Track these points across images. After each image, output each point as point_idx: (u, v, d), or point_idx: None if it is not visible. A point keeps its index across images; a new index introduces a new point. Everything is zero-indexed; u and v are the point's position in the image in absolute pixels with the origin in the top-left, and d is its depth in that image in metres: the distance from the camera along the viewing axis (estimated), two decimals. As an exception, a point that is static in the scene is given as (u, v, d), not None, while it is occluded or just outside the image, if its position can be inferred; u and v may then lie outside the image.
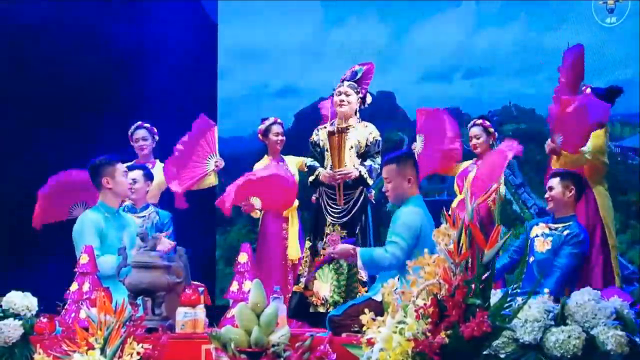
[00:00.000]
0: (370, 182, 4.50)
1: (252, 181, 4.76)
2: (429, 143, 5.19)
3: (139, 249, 3.60)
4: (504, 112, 7.08)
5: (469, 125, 5.28)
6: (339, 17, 7.52)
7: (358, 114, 4.66)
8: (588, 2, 6.65)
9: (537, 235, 4.18)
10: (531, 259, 4.15)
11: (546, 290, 3.79)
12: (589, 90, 4.89)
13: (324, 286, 4.34)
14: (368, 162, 4.51)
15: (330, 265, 4.37)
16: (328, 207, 4.51)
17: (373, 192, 4.64)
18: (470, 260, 2.64)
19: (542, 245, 4.16)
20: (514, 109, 7.12)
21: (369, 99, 4.75)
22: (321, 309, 4.32)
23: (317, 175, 4.58)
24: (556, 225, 4.19)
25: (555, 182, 4.21)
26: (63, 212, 4.87)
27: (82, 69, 6.41)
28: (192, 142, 5.16)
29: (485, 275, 2.61)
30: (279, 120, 5.42)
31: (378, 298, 3.36)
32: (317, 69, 7.26)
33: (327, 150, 4.59)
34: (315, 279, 4.40)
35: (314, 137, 4.72)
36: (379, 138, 4.62)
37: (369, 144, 4.57)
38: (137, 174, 4.86)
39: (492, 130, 5.21)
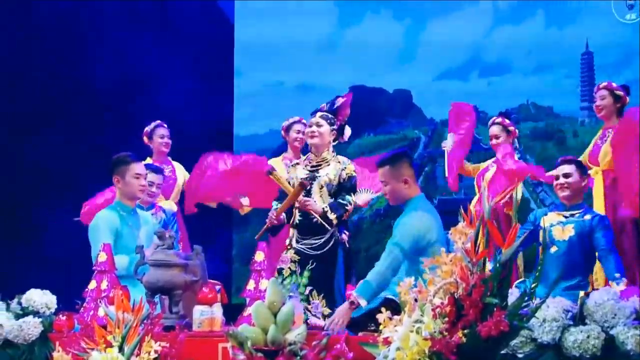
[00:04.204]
0: (332, 216, 4.13)
1: (222, 175, 4.71)
2: (461, 142, 5.13)
3: (156, 248, 3.61)
4: (522, 110, 7.05)
5: (489, 123, 5.24)
6: (354, 15, 7.52)
7: (330, 147, 4.28)
8: (607, -2, 6.61)
9: (553, 225, 4.07)
10: (553, 249, 4.07)
11: (617, 275, 3.74)
12: (603, 84, 4.85)
13: None
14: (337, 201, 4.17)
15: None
16: (296, 239, 4.21)
17: (346, 234, 4.24)
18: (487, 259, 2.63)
19: (562, 234, 4.06)
20: (532, 107, 7.09)
21: (347, 132, 4.37)
22: None
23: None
24: (572, 212, 4.11)
25: (572, 168, 4.11)
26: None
27: (96, 71, 6.44)
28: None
29: (503, 274, 2.60)
30: (303, 120, 5.44)
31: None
32: (334, 67, 7.27)
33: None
34: None
35: (285, 176, 4.40)
36: (354, 174, 4.24)
37: (342, 180, 4.19)
38: (159, 179, 4.89)
39: (512, 128, 5.14)
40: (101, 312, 3.37)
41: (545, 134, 7.05)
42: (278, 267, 4.21)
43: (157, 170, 4.94)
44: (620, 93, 4.78)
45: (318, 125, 4.26)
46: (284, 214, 4.28)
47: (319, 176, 4.21)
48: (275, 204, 4.35)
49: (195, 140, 6.45)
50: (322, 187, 4.22)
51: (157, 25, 6.82)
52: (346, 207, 4.18)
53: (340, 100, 4.36)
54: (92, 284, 3.61)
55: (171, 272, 3.50)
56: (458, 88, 7.19)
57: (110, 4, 6.59)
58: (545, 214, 4.16)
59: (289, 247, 4.28)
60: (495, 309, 2.51)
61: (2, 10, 6.25)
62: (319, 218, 4.13)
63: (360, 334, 3.31)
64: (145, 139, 5.47)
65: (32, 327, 3.59)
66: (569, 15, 6.94)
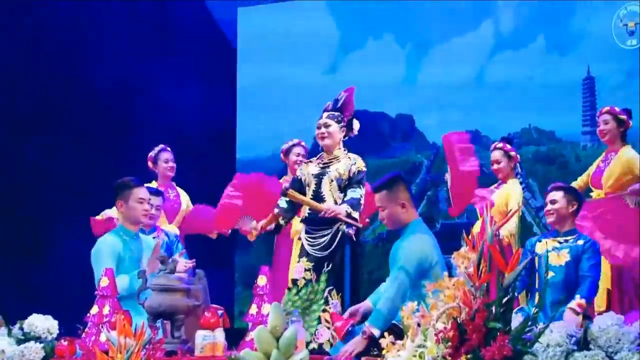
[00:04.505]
0: (356, 215, 4.19)
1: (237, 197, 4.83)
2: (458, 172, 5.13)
3: (158, 272, 3.61)
4: (524, 134, 7.06)
5: (491, 148, 5.24)
6: (357, 40, 7.57)
7: (341, 144, 4.37)
8: (608, 24, 6.64)
9: (548, 250, 4.13)
10: (550, 274, 4.09)
11: (578, 296, 3.76)
12: (606, 108, 4.88)
13: None
14: (349, 195, 4.21)
15: (286, 296, 4.17)
16: (308, 243, 4.24)
17: (353, 228, 4.25)
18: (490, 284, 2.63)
19: (558, 259, 4.10)
20: (534, 131, 7.10)
21: (356, 126, 4.45)
22: None
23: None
24: (566, 238, 4.17)
25: (558, 195, 4.20)
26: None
27: (97, 73, 6.48)
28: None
29: (506, 298, 2.59)
30: (302, 143, 5.48)
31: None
32: (336, 92, 7.29)
33: (307, 186, 4.37)
34: None
35: (298, 173, 4.48)
36: (364, 169, 4.32)
37: (351, 175, 4.27)
38: (159, 201, 4.91)
39: (513, 154, 5.15)
40: (103, 338, 3.36)
41: (548, 158, 7.06)
42: (292, 278, 4.24)
43: (157, 193, 4.95)
44: (624, 117, 4.82)
45: (326, 125, 4.34)
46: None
47: (329, 171, 4.29)
48: (284, 196, 4.41)
49: (197, 140, 6.49)
50: (332, 181, 4.29)
51: (158, 28, 6.88)
52: (361, 202, 4.23)
53: (343, 95, 4.43)
54: (94, 309, 3.61)
55: (173, 296, 3.50)
56: (460, 112, 7.21)
57: (110, 6, 6.63)
58: (540, 241, 4.20)
59: (301, 252, 4.29)
60: (498, 334, 2.50)
61: (2, 11, 6.30)
62: (345, 219, 4.14)
63: (363, 358, 3.29)
64: (149, 164, 5.48)
65: (33, 353, 3.57)
66: (570, 40, 6.98)
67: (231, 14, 7.64)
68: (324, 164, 4.35)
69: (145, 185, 4.53)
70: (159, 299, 3.49)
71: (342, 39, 7.60)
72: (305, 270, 4.18)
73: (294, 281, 4.21)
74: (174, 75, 6.71)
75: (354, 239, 4.25)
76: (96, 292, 3.64)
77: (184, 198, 5.51)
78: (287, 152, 5.46)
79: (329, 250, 4.19)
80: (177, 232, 5.30)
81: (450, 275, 2.71)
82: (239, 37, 7.62)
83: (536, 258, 4.11)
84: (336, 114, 4.37)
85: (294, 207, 4.43)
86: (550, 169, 7.01)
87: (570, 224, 4.21)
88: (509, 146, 5.16)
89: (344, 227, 4.20)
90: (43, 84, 6.45)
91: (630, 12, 6.49)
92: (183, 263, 4.16)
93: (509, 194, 4.97)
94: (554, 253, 4.13)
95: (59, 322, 3.74)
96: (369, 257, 7.29)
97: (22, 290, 5.74)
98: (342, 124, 4.36)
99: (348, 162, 4.30)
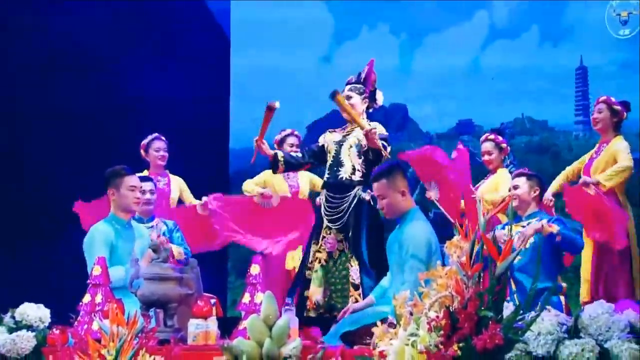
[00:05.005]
0: (385, 153, 4.22)
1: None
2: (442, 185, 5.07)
3: (150, 261, 3.61)
4: (517, 124, 7.08)
5: (481, 139, 5.25)
6: (351, 30, 7.56)
7: (364, 115, 4.42)
8: (601, 13, 6.65)
9: (513, 237, 4.14)
10: (517, 259, 4.11)
11: (552, 223, 3.81)
12: (603, 97, 4.88)
13: (317, 290, 4.19)
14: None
15: (325, 270, 4.22)
16: (325, 210, 4.29)
17: (369, 192, 4.26)
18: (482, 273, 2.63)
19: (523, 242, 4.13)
20: (527, 121, 7.12)
21: (379, 97, 4.52)
22: (312, 314, 4.18)
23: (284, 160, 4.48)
24: (529, 221, 4.19)
25: (521, 181, 4.26)
26: None
27: (93, 82, 6.47)
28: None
29: (498, 287, 2.60)
30: (295, 132, 5.48)
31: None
32: (330, 81, 7.28)
33: (328, 152, 4.43)
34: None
35: (320, 140, 4.53)
36: (385, 133, 4.36)
37: None
38: (150, 185, 4.88)
39: (504, 145, 5.16)
40: (95, 326, 3.35)
41: (540, 148, 7.09)
42: (328, 251, 4.26)
43: (146, 179, 4.92)
44: (618, 108, 4.82)
45: (348, 98, 4.39)
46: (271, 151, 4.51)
47: (349, 138, 4.35)
48: (332, 98, 4.38)
49: (190, 130, 6.49)
50: (350, 146, 4.35)
51: (151, 18, 6.86)
52: (387, 148, 4.28)
53: (365, 69, 4.51)
54: (86, 298, 3.60)
55: (166, 285, 3.50)
56: (453, 102, 7.22)
57: (108, 10, 6.61)
58: (504, 229, 4.21)
59: (327, 226, 4.29)
60: (490, 322, 2.51)
61: (2, 10, 6.29)
62: (378, 143, 4.16)
63: (355, 347, 3.30)
64: (142, 152, 5.45)
65: (25, 341, 3.58)
66: (564, 30, 6.99)
67: (224, 4, 7.61)
68: (346, 132, 4.41)
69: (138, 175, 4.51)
70: (151, 288, 3.49)
71: (336, 28, 7.58)
72: (338, 241, 4.23)
73: (330, 254, 4.25)
74: (167, 65, 6.69)
75: (371, 203, 4.26)
76: (88, 281, 3.63)
77: (175, 185, 5.45)
78: (281, 142, 5.45)
79: (346, 216, 4.23)
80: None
81: (443, 264, 2.72)
82: (232, 27, 7.59)
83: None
84: (358, 86, 4.45)
85: (298, 162, 4.50)
86: (543, 158, 7.04)
87: (532, 209, 4.26)
88: (500, 138, 5.17)
89: (360, 192, 4.24)
90: (41, 77, 6.44)
91: (623, 1, 6.50)
92: (178, 250, 4.16)
93: (499, 183, 5.00)
94: (518, 236, 4.15)
95: (51, 311, 3.75)
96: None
97: (14, 278, 5.73)
98: (364, 95, 4.43)
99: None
